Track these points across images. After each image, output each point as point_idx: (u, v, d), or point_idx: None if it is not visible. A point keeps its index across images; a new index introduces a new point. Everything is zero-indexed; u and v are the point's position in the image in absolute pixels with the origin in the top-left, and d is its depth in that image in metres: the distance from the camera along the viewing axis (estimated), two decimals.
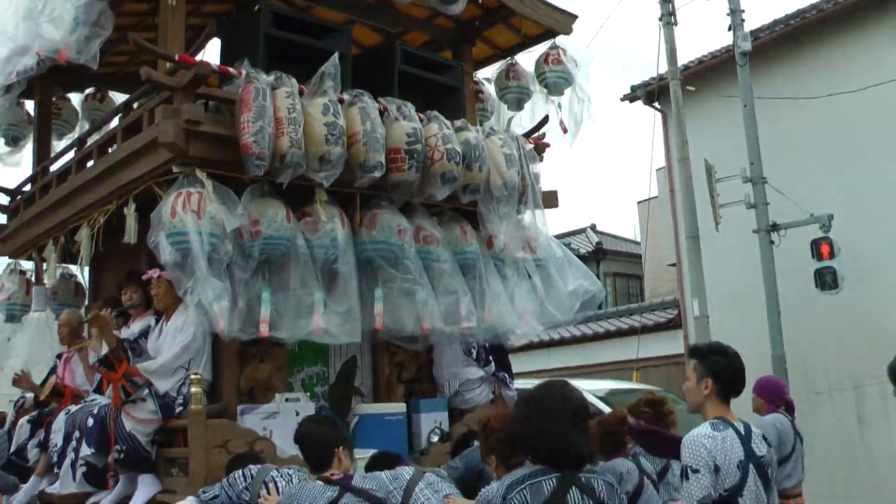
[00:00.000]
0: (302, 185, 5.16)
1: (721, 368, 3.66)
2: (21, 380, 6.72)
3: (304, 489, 3.86)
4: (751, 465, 3.46)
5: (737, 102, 11.39)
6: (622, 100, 14.23)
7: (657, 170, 14.80)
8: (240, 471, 4.38)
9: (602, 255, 21.81)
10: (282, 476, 4.31)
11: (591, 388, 9.44)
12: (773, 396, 6.15)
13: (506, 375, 6.62)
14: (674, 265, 14.40)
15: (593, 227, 24.29)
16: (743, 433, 3.54)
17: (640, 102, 13.96)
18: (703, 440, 3.44)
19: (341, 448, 4.09)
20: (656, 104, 13.83)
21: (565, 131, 7.06)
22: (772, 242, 10.87)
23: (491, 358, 6.48)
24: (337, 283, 5.22)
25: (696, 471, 3.39)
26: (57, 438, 5.78)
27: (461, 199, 5.93)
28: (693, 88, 12.83)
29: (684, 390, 3.84)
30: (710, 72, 12.99)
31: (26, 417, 6.77)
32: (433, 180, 5.62)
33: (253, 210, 5.00)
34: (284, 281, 5.09)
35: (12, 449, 6.87)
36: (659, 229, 15.08)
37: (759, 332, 10.73)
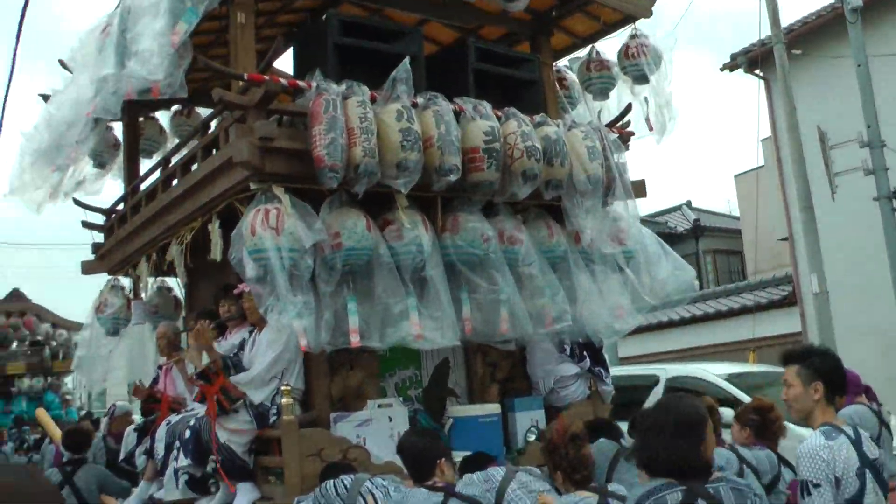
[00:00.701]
0: (381, 192, 5.24)
1: (829, 369, 3.58)
2: (138, 390, 7.12)
3: (409, 496, 4.00)
4: (867, 471, 3.39)
5: (846, 64, 10.95)
6: (722, 69, 13.86)
7: (762, 140, 14.36)
8: (332, 481, 4.51)
9: (700, 231, 21.39)
10: (377, 488, 4.43)
11: (721, 372, 9.33)
12: (850, 387, 5.93)
13: (601, 371, 6.59)
14: (785, 239, 13.98)
15: (689, 204, 23.81)
16: (854, 437, 3.46)
17: (740, 72, 13.56)
18: (820, 452, 3.36)
19: (443, 460, 4.20)
20: (758, 71, 13.42)
21: (651, 129, 6.94)
22: (894, 210, 10.43)
23: (585, 353, 6.47)
24: (428, 289, 5.28)
25: (817, 485, 3.32)
26: (160, 448, 6.07)
27: (544, 195, 5.92)
28: (799, 52, 12.39)
29: (786, 399, 3.73)
30: (817, 33, 12.55)
31: (132, 426, 7.17)
32: (514, 179, 5.62)
33: (332, 222, 5.10)
34: (370, 290, 5.18)
35: (122, 456, 7.29)
36: (762, 202, 14.66)
37: (884, 307, 10.33)
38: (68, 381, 24.59)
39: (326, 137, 4.86)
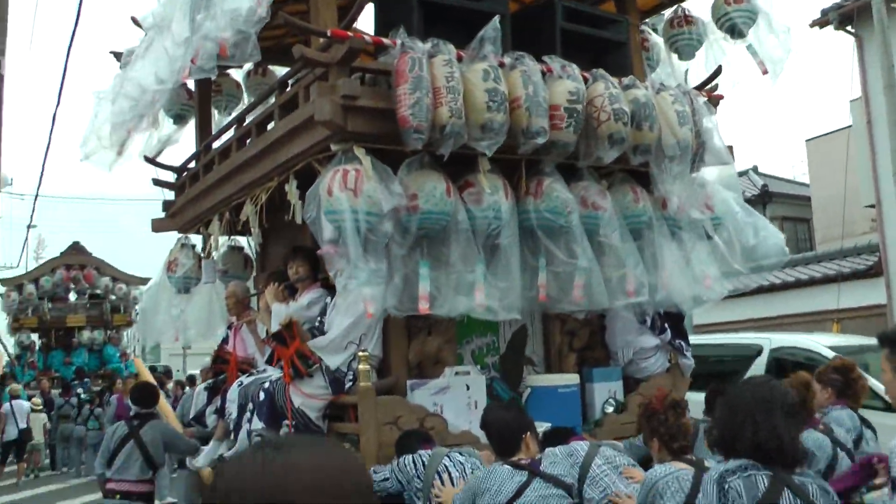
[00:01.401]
0: (463, 153, 5.18)
1: None
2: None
3: (492, 474, 3.98)
4: None
5: None
6: (812, 26, 13.43)
7: (851, 101, 13.93)
8: (410, 457, 4.53)
9: (769, 198, 20.85)
10: (454, 465, 4.43)
11: (829, 343, 9.00)
12: None
13: (682, 343, 6.52)
14: (872, 206, 13.60)
15: (755, 169, 23.24)
16: None
17: (829, 29, 13.12)
18: None
19: (528, 434, 4.18)
20: (850, 28, 12.98)
21: (765, 72, 6.74)
22: None
23: (666, 325, 6.39)
24: (498, 258, 5.22)
25: None
26: (232, 408, 6.14)
27: (631, 160, 5.81)
28: None
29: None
30: None
31: (203, 385, 7.29)
32: (600, 142, 5.52)
33: (410, 183, 5.05)
34: (444, 256, 5.14)
35: (192, 414, 7.43)
36: (841, 167, 14.25)
37: None
38: (126, 335, 25.12)
39: (412, 97, 4.80)
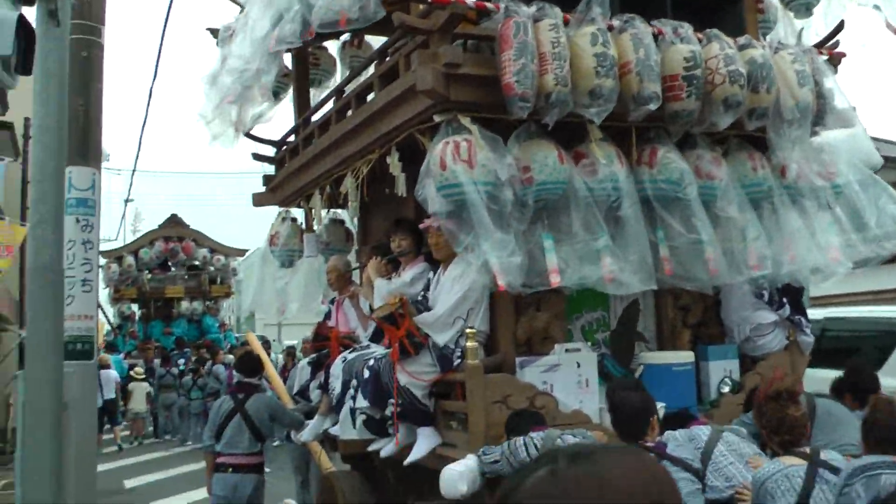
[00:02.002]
0: (571, 122, 5.03)
1: None
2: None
3: None
4: None
5: None
6: None
7: None
8: (521, 439, 4.44)
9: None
10: None
11: None
12: None
13: (801, 319, 6.27)
14: None
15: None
16: None
17: None
18: None
19: (655, 416, 4.04)
20: None
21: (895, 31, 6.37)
22: None
23: (785, 300, 6.15)
24: (623, 228, 5.06)
25: None
26: (335, 384, 6.16)
27: (746, 125, 5.54)
28: None
29: None
30: None
31: (307, 359, 7.35)
32: (715, 107, 5.27)
33: (521, 155, 4.92)
34: (565, 226, 4.99)
35: (295, 389, 7.51)
36: None
37: None
38: (224, 305, 25.71)
39: (517, 63, 4.67)
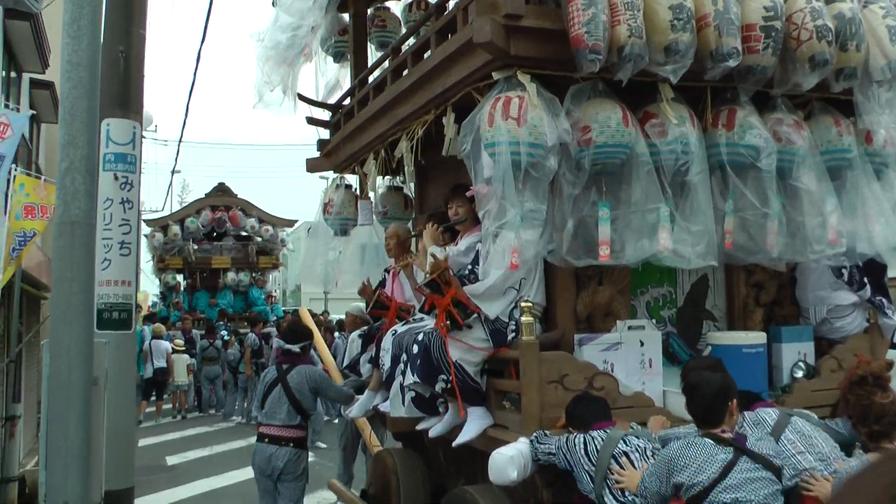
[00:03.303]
0: (640, 80, 4.78)
1: None
2: (365, 290, 7.15)
3: (693, 447, 3.58)
4: None
5: None
6: None
7: None
8: (581, 437, 4.23)
9: None
10: (633, 449, 4.10)
11: None
12: None
13: (883, 301, 5.97)
14: None
15: None
16: None
17: None
18: None
19: (734, 401, 3.79)
20: None
21: None
22: None
23: (866, 280, 5.86)
24: (688, 196, 4.80)
25: None
26: (385, 358, 6.03)
27: (832, 86, 5.23)
28: None
29: None
30: None
31: (357, 332, 7.21)
32: (799, 66, 4.99)
33: (581, 115, 4.70)
34: (624, 195, 4.76)
35: (345, 362, 7.38)
36: None
37: None
38: (271, 278, 25.76)
39: (586, 13, 4.43)
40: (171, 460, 12.95)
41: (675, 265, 4.95)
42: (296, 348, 7.09)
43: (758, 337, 5.38)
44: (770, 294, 5.84)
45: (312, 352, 8.13)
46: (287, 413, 6.80)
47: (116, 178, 6.41)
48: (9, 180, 8.65)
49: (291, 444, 6.81)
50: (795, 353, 5.65)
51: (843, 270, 5.79)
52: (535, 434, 4.50)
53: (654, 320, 5.44)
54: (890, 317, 5.98)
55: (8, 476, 9.37)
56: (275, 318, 22.07)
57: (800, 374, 5.58)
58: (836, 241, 5.25)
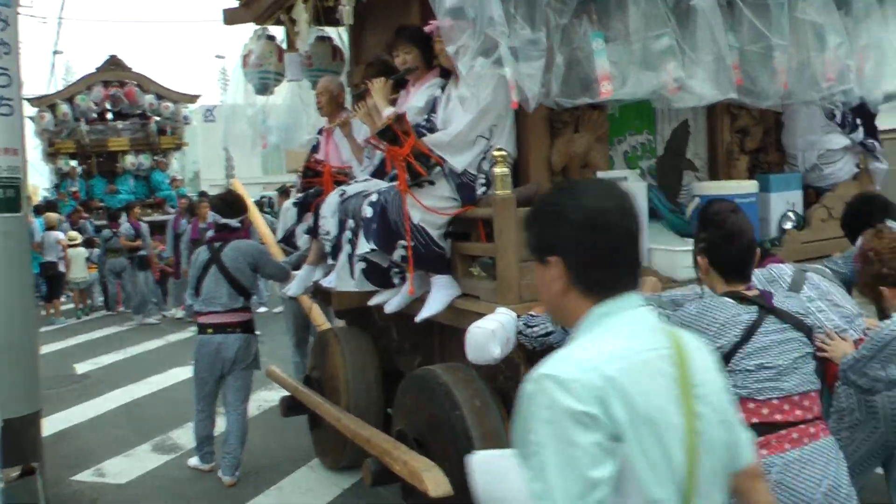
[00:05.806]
0: None
1: None
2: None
3: (711, 309, 3.25)
4: None
5: None
6: None
7: None
8: None
9: None
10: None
11: None
12: None
13: (874, 143, 5.90)
14: None
15: None
16: None
17: None
18: None
19: (758, 253, 3.53)
20: None
21: None
22: None
23: (858, 121, 5.74)
24: (695, 24, 4.48)
25: None
26: (328, 225, 5.72)
27: None
28: None
29: None
30: None
31: (291, 200, 6.87)
32: None
33: None
34: (620, 22, 4.43)
35: (279, 235, 7.04)
36: None
37: None
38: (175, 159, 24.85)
39: None
40: (81, 368, 11.98)
41: (686, 104, 4.64)
42: (234, 222, 6.74)
43: (750, 185, 5.22)
44: (756, 140, 5.71)
45: None
46: (228, 295, 6.50)
47: None
48: None
49: (239, 330, 6.54)
50: (784, 203, 5.54)
51: (836, 112, 5.66)
52: (522, 320, 4.21)
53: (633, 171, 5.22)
54: (882, 160, 5.92)
55: None
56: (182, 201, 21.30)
57: (789, 224, 5.50)
58: (842, 79, 5.08)
